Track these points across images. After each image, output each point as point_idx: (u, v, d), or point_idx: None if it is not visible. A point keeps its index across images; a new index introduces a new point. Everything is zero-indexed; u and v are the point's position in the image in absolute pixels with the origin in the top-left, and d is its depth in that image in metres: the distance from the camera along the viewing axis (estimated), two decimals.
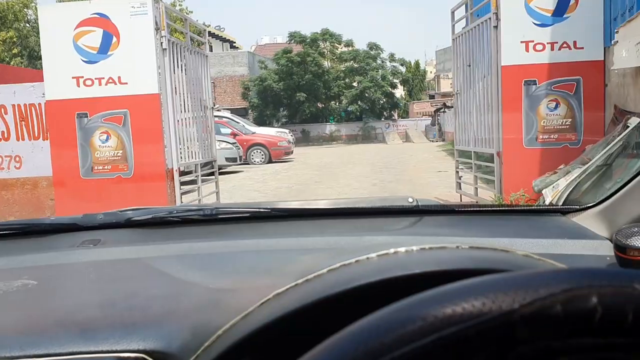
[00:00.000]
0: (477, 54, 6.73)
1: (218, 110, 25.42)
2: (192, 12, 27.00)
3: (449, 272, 0.55)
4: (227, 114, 20.35)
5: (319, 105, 35.03)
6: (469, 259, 0.60)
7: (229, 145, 13.77)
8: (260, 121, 34.32)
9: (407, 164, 15.01)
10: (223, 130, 17.23)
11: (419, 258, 0.60)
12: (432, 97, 44.43)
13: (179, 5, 25.93)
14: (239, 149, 14.16)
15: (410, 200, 1.38)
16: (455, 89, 7.63)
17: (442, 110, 30.70)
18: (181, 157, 6.80)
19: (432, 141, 30.27)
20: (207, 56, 8.05)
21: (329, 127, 35.37)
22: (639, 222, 1.03)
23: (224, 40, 41.99)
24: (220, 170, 14.35)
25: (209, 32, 38.01)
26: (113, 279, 1.04)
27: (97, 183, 6.38)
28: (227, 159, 13.65)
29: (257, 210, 1.46)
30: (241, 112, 34.65)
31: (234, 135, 16.89)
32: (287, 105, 34.67)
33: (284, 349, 0.57)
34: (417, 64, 45.72)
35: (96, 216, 1.41)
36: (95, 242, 1.27)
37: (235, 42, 43.47)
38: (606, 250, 1.03)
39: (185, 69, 7.12)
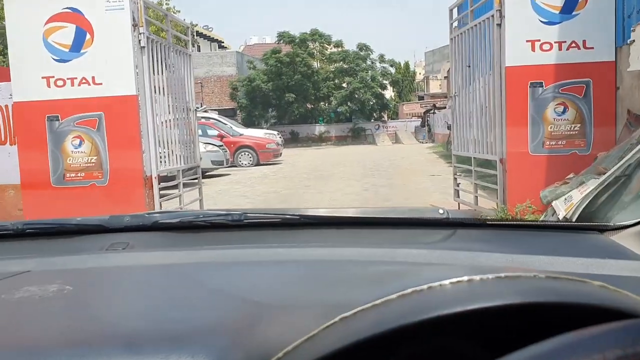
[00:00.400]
0: (478, 54, 6.31)
1: (205, 112, 24.89)
2: (179, 11, 26.44)
3: (527, 305, 0.53)
4: (214, 115, 19.83)
5: (308, 106, 34.58)
6: (548, 291, 0.57)
7: (215, 148, 13.26)
8: (249, 122, 33.83)
9: (398, 166, 14.60)
10: (210, 132, 16.76)
11: (496, 288, 0.57)
12: (421, 98, 44.18)
13: (166, 4, 25.33)
14: (226, 151, 13.65)
15: (441, 212, 1.35)
16: (453, 90, 7.21)
17: (432, 111, 30.38)
18: (162, 163, 6.32)
19: (422, 142, 29.94)
20: (190, 55, 7.55)
21: (318, 128, 34.94)
22: None
23: (212, 40, 41.42)
24: (207, 174, 13.93)
25: (197, 32, 37.61)
26: (150, 287, 1.01)
27: (69, 191, 5.88)
28: (213, 162, 13.15)
29: (286, 216, 1.43)
30: (229, 113, 34.13)
31: (221, 137, 16.39)
32: (276, 106, 34.19)
33: None
34: (406, 65, 45.43)
35: (123, 218, 1.40)
36: (123, 245, 1.25)
37: (223, 42, 42.88)
38: None
39: (166, 69, 6.64)
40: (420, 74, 53.40)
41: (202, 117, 19.05)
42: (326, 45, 34.65)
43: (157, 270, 1.10)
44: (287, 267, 1.10)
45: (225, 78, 35.29)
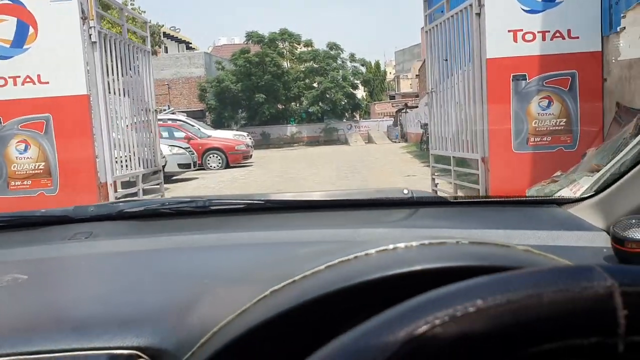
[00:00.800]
0: (456, 46, 5.94)
1: (173, 114, 24.21)
2: (144, 12, 25.64)
3: (449, 269, 0.54)
4: (182, 116, 19.22)
5: (279, 106, 34.10)
6: (470, 255, 0.58)
7: (182, 150, 12.69)
8: (219, 123, 33.17)
9: (373, 167, 14.23)
10: (177, 134, 16.18)
11: (419, 254, 0.58)
12: (392, 97, 44.09)
13: (131, 4, 24.56)
14: (193, 154, 13.09)
15: (406, 192, 1.37)
16: (430, 86, 6.84)
17: (404, 110, 30.19)
18: (118, 168, 5.81)
19: (395, 142, 29.72)
20: (149, 52, 7.04)
21: (290, 129, 34.48)
22: (637, 213, 1.00)
23: (179, 41, 40.59)
24: (173, 177, 13.38)
25: (164, 32, 36.78)
26: (107, 273, 1.02)
27: (14, 202, 5.32)
28: (179, 165, 12.58)
29: (251, 202, 1.43)
30: (198, 115, 33.40)
31: (188, 139, 15.80)
32: (246, 107, 33.61)
33: (280, 347, 0.56)
34: (377, 64, 45.26)
35: (87, 208, 1.41)
36: (87, 234, 1.24)
37: (191, 43, 42.06)
38: (603, 242, 1.02)
39: (122, 67, 6.11)
40: (390, 73, 53.38)
41: (169, 119, 18.45)
42: (296, 45, 34.20)
43: (117, 257, 1.10)
44: (245, 250, 1.10)
45: (194, 79, 34.56)
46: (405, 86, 47.80)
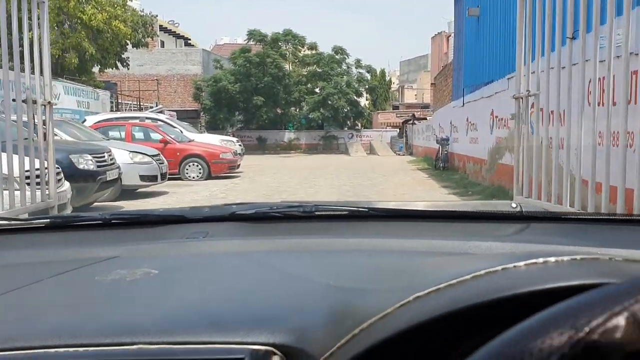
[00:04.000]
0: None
1: (161, 112, 21.24)
2: None
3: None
4: (163, 116, 16.24)
5: (278, 110, 31.14)
6: (626, 273, 0.53)
7: (147, 159, 9.70)
8: (213, 125, 30.25)
9: (382, 188, 11.30)
10: (154, 136, 13.22)
11: (572, 269, 0.55)
12: (396, 107, 41.24)
13: None
14: (162, 162, 10.09)
15: (514, 205, 1.32)
16: (525, 86, 3.93)
17: (411, 122, 27.27)
18: None
19: (399, 154, 26.78)
20: (44, 2, 4.05)
21: (288, 135, 31.54)
22: None
23: (177, 36, 37.58)
24: (137, 191, 10.46)
25: (161, 26, 33.72)
26: (229, 272, 1.00)
27: None
28: (142, 178, 9.59)
29: (356, 209, 1.40)
30: (192, 115, 30.42)
31: (164, 142, 12.82)
32: (243, 110, 30.65)
33: (422, 353, 0.55)
34: (382, 72, 42.31)
35: (202, 209, 1.47)
36: (203, 234, 1.25)
37: (190, 39, 39.01)
38: None
39: None
40: (394, 83, 50.52)
41: (148, 118, 15.48)
42: (299, 47, 31.27)
43: (235, 257, 1.10)
44: (359, 256, 1.07)
45: (190, 77, 31.60)
46: (410, 97, 44.89)
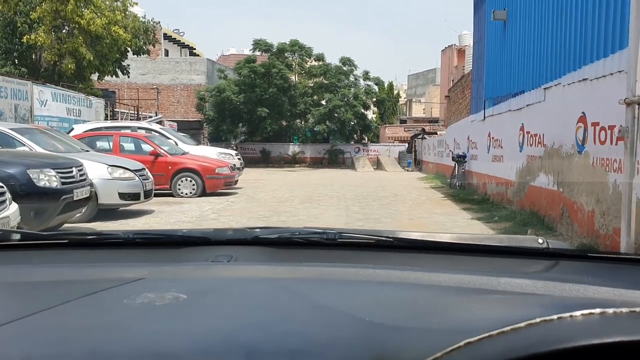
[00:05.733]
0: None
1: (159, 122, 19.97)
2: (136, 3, 21.49)
3: None
4: (157, 126, 14.94)
5: (283, 122, 29.85)
6: None
7: (128, 174, 8.36)
8: (216, 137, 29.01)
9: (395, 210, 9.94)
10: (145, 148, 11.93)
11: (632, 322, 0.54)
12: (403, 121, 39.94)
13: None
14: (147, 178, 8.73)
15: (540, 241, 1.28)
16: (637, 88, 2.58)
17: (421, 136, 25.92)
18: None
19: (407, 170, 25.40)
20: None
21: (292, 148, 30.25)
22: None
23: (182, 45, 36.44)
24: (122, 209, 9.13)
25: (165, 34, 32.61)
26: (259, 299, 0.97)
27: None
28: (122, 195, 8.25)
29: (380, 238, 1.37)
30: (195, 126, 29.20)
31: (155, 155, 11.53)
32: (247, 121, 29.39)
33: None
34: (390, 85, 41.02)
35: (226, 232, 1.44)
36: (228, 257, 1.25)
37: (195, 49, 37.85)
38: None
39: None
40: (402, 97, 49.26)
41: (140, 128, 14.21)
42: (306, 58, 30.03)
43: (263, 283, 1.08)
44: (389, 288, 1.04)
45: (193, 87, 30.40)
46: (418, 111, 43.56)
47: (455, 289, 0.99)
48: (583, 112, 6.37)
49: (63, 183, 6.58)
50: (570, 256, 1.31)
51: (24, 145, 8.09)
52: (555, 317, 0.54)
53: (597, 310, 0.54)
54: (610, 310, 0.54)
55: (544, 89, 7.89)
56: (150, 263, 1.21)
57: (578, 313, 0.54)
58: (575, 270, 1.21)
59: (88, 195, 7.19)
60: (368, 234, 1.42)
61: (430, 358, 0.53)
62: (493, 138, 11.15)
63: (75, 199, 6.75)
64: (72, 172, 6.84)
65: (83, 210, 7.57)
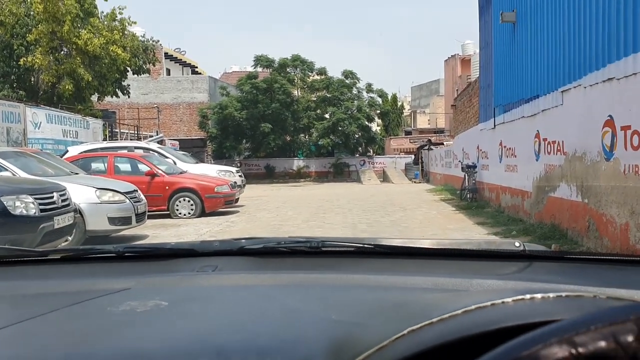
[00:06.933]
0: None
1: (160, 142, 19.46)
2: (135, 22, 21.10)
3: None
4: (155, 145, 14.39)
5: (287, 137, 29.32)
6: (600, 309, 0.56)
7: (119, 197, 7.76)
8: (220, 154, 28.51)
9: (405, 226, 9.29)
10: (142, 168, 11.36)
11: (557, 306, 0.57)
12: (408, 133, 39.36)
13: (119, 12, 20.10)
14: (139, 201, 8.15)
15: (517, 244, 1.29)
16: None
17: (427, 147, 25.28)
18: None
19: (415, 182, 24.73)
20: None
21: (297, 163, 29.69)
22: None
23: (184, 64, 36.11)
24: (113, 235, 8.49)
25: (166, 53, 32.28)
26: (237, 305, 1.01)
27: None
28: (112, 220, 7.63)
29: (362, 245, 1.40)
30: (198, 144, 28.73)
31: (152, 175, 10.95)
32: (251, 137, 28.88)
33: None
34: (394, 97, 40.48)
35: (212, 243, 1.46)
36: (213, 267, 1.26)
37: (197, 67, 37.52)
38: None
39: None
40: (406, 109, 48.72)
41: (137, 148, 13.66)
42: (308, 72, 29.58)
43: (243, 290, 1.10)
44: (362, 291, 1.07)
45: (196, 105, 29.96)
46: (423, 122, 42.95)
47: (426, 290, 1.02)
48: (610, 116, 5.72)
49: (42, 210, 5.99)
50: (544, 257, 1.33)
51: (7, 170, 7.52)
52: (488, 303, 0.57)
53: (527, 296, 0.57)
54: (539, 296, 0.57)
55: (562, 92, 7.25)
56: (137, 275, 1.23)
57: (509, 299, 0.56)
58: (547, 270, 1.24)
59: (72, 222, 6.59)
60: (350, 241, 1.46)
61: (378, 346, 0.55)
62: (505, 147, 10.49)
63: (56, 226, 6.15)
64: (52, 197, 6.24)
65: (70, 239, 7.00)
